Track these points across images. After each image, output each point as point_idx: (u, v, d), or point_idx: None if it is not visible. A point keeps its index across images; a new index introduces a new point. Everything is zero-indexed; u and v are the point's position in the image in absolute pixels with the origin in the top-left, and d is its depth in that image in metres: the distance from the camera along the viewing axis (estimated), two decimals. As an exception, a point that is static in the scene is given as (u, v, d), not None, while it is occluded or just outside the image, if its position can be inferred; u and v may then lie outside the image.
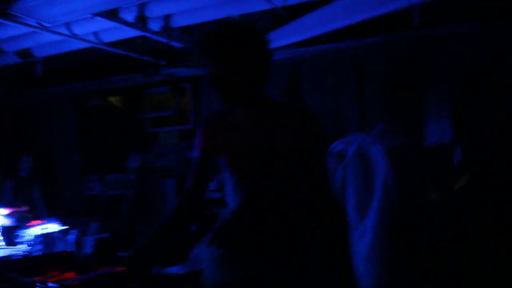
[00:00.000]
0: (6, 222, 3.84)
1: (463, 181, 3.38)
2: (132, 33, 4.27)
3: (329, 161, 2.95)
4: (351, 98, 5.01)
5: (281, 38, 3.90)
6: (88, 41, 4.41)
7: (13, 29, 4.10)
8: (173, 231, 1.93)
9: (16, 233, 3.82)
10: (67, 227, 4.03)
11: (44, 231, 3.86)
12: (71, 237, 3.81)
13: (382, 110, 4.82)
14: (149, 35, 4.18)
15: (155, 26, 4.11)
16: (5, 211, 3.90)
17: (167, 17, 4.02)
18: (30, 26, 3.92)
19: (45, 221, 3.98)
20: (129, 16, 3.91)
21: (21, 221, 3.90)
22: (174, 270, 3.14)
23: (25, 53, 4.82)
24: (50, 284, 1.82)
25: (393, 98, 4.67)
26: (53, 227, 3.93)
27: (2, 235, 3.81)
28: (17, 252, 3.47)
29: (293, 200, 1.78)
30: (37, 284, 1.83)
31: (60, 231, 3.91)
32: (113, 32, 4.35)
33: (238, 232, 1.84)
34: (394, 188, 2.50)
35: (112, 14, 3.83)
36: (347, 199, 2.72)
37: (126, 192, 5.81)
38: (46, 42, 4.54)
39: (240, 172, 1.84)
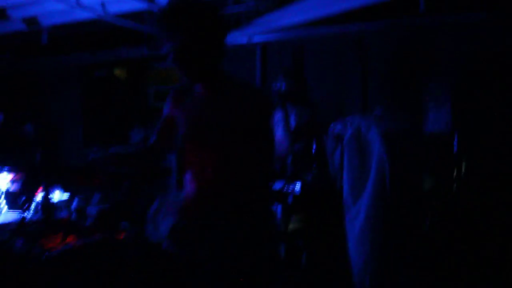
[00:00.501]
0: (11, 187, 3.90)
1: (460, 170, 3.43)
2: (139, 5, 4.28)
3: (328, 142, 3.00)
4: (354, 80, 5.01)
5: (285, 17, 3.91)
6: (95, 12, 4.41)
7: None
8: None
9: (20, 198, 3.88)
10: (69, 193, 4.08)
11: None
12: (74, 204, 3.86)
13: (384, 95, 4.85)
14: (156, 8, 4.18)
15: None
16: (10, 175, 3.95)
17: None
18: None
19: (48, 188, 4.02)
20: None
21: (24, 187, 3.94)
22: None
23: (31, 21, 4.82)
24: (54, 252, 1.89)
25: (395, 83, 4.70)
26: (56, 194, 3.99)
27: (6, 199, 3.88)
28: (17, 218, 3.54)
29: (237, 180, 1.87)
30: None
31: (63, 200, 3.96)
32: (120, 4, 4.35)
33: (186, 209, 2.00)
34: (388, 171, 2.55)
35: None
36: (343, 179, 2.77)
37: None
38: (53, 11, 4.54)
39: (191, 145, 1.98)
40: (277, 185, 3.19)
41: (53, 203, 3.96)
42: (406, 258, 2.55)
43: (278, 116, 3.96)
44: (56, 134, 6.81)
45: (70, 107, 6.79)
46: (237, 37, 4.66)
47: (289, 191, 3.09)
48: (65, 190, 4.17)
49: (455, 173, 3.42)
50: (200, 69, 1.85)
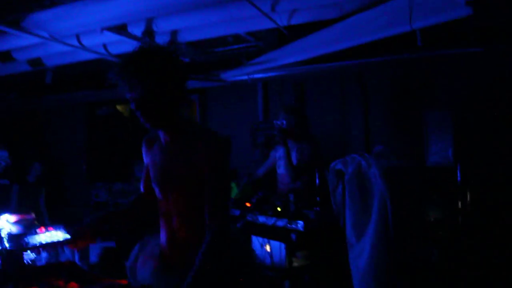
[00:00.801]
0: (13, 229, 3.89)
1: (465, 200, 3.42)
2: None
3: (330, 179, 3.01)
4: (356, 115, 5.06)
5: (285, 56, 3.97)
6: (97, 53, 4.50)
7: (25, 40, 4.19)
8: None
9: (23, 241, 3.87)
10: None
11: (51, 239, 3.90)
12: (76, 245, 3.85)
13: (385, 128, 4.87)
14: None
15: (162, 40, 4.19)
16: (12, 218, 3.95)
17: (174, 32, 4.11)
18: (41, 37, 4.02)
19: (51, 229, 4.02)
20: (137, 30, 3.99)
21: (28, 229, 3.93)
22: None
23: (36, 62, 4.91)
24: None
25: (396, 116, 4.73)
26: (58, 234, 3.97)
27: (9, 242, 3.87)
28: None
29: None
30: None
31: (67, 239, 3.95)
32: (121, 45, 4.43)
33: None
34: (390, 208, 2.55)
35: (120, 28, 3.93)
36: (346, 217, 2.77)
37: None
38: (57, 52, 4.63)
39: (157, 193, 2.03)
40: (280, 223, 3.19)
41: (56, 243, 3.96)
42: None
43: (280, 152, 3.98)
44: (61, 172, 6.85)
45: (75, 144, 6.85)
46: (238, 76, 4.73)
47: (293, 228, 3.08)
48: (67, 231, 4.16)
49: (459, 204, 3.41)
50: (161, 117, 1.88)
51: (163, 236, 2.03)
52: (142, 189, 2.21)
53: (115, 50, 4.48)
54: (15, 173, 5.63)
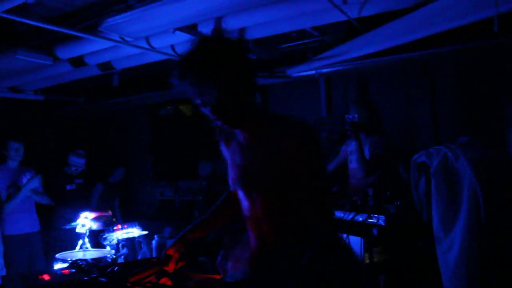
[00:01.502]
0: (93, 225, 4.05)
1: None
2: (207, 45, 4.42)
3: (412, 172, 2.93)
4: (423, 108, 4.92)
5: (357, 49, 3.90)
6: (166, 54, 4.59)
7: (98, 44, 4.35)
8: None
9: (102, 237, 4.02)
10: (147, 232, 4.19)
11: (127, 235, 4.04)
12: (154, 241, 3.97)
13: (456, 120, 4.71)
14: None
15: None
16: (92, 215, 4.11)
17: (242, 30, 4.13)
18: (113, 40, 4.16)
19: (127, 226, 4.15)
20: (206, 29, 4.05)
21: (107, 225, 4.09)
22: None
23: (105, 66, 5.09)
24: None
25: (469, 109, 4.56)
26: (135, 231, 4.10)
27: (89, 238, 4.03)
28: (104, 255, 3.67)
29: (292, 230, 1.72)
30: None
31: (142, 236, 4.08)
32: (188, 45, 4.51)
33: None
34: (482, 200, 2.45)
35: (190, 28, 3.99)
36: (432, 211, 2.69)
37: (197, 199, 5.99)
38: (126, 55, 4.78)
39: (239, 190, 1.87)
40: (359, 217, 3.14)
41: (134, 240, 4.10)
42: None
43: (352, 146, 3.93)
44: (127, 171, 7.06)
45: (140, 144, 7.05)
46: (305, 71, 4.70)
47: (373, 222, 3.03)
48: (142, 228, 4.29)
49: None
50: (240, 115, 1.70)
51: (252, 241, 1.86)
52: (231, 186, 2.01)
53: (183, 50, 4.55)
54: (99, 174, 5.90)
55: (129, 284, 1.90)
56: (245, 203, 1.84)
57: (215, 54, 1.63)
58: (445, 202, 2.61)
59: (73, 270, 2.01)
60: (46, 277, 1.91)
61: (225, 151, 1.95)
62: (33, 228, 5.02)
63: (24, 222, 4.92)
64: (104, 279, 1.84)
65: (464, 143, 2.76)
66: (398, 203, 3.12)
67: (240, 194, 1.86)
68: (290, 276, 1.59)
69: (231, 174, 1.90)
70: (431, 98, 4.88)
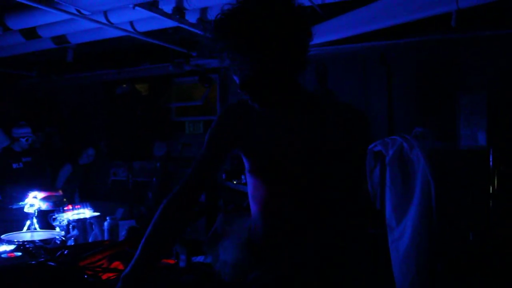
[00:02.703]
0: (43, 205, 3.92)
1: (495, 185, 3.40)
2: (167, 23, 4.30)
3: (367, 161, 2.98)
4: (379, 97, 5.00)
5: (316, 36, 3.89)
6: (124, 30, 4.45)
7: (52, 16, 4.15)
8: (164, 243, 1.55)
9: (51, 217, 3.89)
10: (99, 213, 4.09)
11: (78, 216, 3.92)
12: (106, 223, 3.86)
13: (410, 110, 4.83)
14: (185, 26, 4.21)
15: (191, 17, 4.15)
16: (41, 194, 3.97)
17: (204, 10, 4.06)
18: (69, 13, 3.97)
19: (79, 206, 4.04)
20: (168, 7, 3.94)
21: (56, 206, 3.96)
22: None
23: (60, 40, 4.88)
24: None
25: (423, 100, 4.68)
26: (86, 212, 4.00)
27: (37, 218, 3.89)
28: (53, 237, 3.55)
29: (319, 213, 1.50)
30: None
31: (94, 217, 3.97)
32: (149, 22, 4.39)
33: (257, 245, 1.62)
34: (433, 190, 2.52)
35: (151, 5, 3.87)
36: (386, 199, 2.75)
37: (151, 180, 5.91)
38: (82, 30, 4.59)
39: (260, 176, 1.58)
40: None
41: (85, 221, 3.98)
42: (454, 279, 2.51)
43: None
44: (81, 149, 6.85)
45: (94, 123, 6.85)
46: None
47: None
48: (94, 209, 4.19)
49: (491, 189, 3.39)
50: (277, 91, 1.42)
51: (262, 226, 1.60)
52: (188, 181, 1.57)
53: (142, 27, 4.44)
54: (67, 154, 5.74)
55: (79, 269, 1.84)
56: (270, 186, 1.55)
57: (257, 21, 1.29)
58: (399, 191, 2.67)
59: (19, 254, 1.93)
60: (-10, 260, 1.82)
61: (232, 130, 1.59)
62: None
63: None
64: (53, 263, 1.77)
65: (419, 134, 2.83)
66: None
67: (261, 178, 1.56)
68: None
69: (260, 156, 1.55)
70: (388, 88, 4.97)
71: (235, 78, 1.41)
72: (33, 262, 1.74)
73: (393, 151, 2.70)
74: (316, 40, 3.90)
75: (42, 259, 1.80)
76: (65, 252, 1.91)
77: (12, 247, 2.78)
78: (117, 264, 2.16)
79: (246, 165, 1.61)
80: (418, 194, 2.57)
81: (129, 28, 4.44)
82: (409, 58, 4.87)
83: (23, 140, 5.22)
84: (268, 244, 1.58)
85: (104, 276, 1.84)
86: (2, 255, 1.86)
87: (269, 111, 1.50)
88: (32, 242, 2.04)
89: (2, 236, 3.52)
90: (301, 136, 1.48)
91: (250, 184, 1.62)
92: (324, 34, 3.83)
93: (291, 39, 1.33)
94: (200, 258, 3.12)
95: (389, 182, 2.71)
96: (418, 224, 2.55)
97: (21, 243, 2.00)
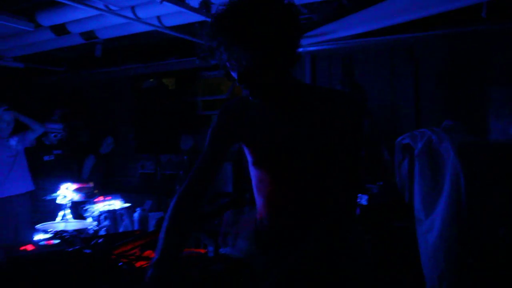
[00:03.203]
0: (75, 196, 4.02)
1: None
2: (194, 18, 4.34)
3: (396, 154, 2.97)
4: (407, 90, 4.95)
5: (344, 29, 3.88)
6: (151, 25, 4.51)
7: (82, 12, 4.24)
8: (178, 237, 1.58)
9: (83, 208, 4.00)
10: (130, 204, 4.18)
11: (109, 208, 4.02)
12: (136, 214, 3.95)
13: (439, 104, 4.76)
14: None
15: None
16: (73, 186, 4.07)
17: (230, 4, 4.07)
18: (98, 9, 4.05)
19: (110, 198, 4.14)
20: (194, 2, 3.98)
21: (88, 197, 4.06)
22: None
23: (89, 35, 4.97)
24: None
25: (453, 93, 4.61)
26: (116, 203, 4.09)
27: (70, 209, 4.00)
28: (86, 227, 3.65)
29: (324, 205, 1.54)
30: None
31: (124, 208, 4.06)
32: (176, 17, 4.44)
33: (264, 237, 1.69)
34: (463, 183, 2.50)
35: (178, 0, 3.92)
36: (414, 192, 2.74)
37: (178, 172, 5.98)
38: (110, 25, 4.67)
39: (263, 168, 1.63)
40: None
41: (115, 212, 4.07)
42: (483, 274, 2.48)
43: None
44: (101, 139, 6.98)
45: (122, 117, 6.96)
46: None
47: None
48: (126, 200, 4.27)
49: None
50: (276, 84, 1.47)
51: (265, 216, 1.67)
52: (192, 180, 1.64)
53: (169, 22, 4.49)
54: (91, 145, 5.86)
55: (113, 256, 1.90)
56: (271, 178, 1.61)
57: (252, 15, 1.35)
58: (428, 184, 2.66)
59: (57, 241, 2.00)
60: (29, 247, 1.89)
61: (233, 126, 1.67)
62: (24, 189, 4.99)
63: (13, 184, 4.90)
64: (88, 251, 1.83)
65: (448, 128, 2.80)
66: (381, 183, 3.16)
67: (273, 175, 1.61)
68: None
69: (261, 150, 1.62)
70: (415, 81, 4.91)
71: (233, 73, 1.46)
72: (70, 249, 1.80)
73: (422, 144, 2.68)
74: (343, 33, 3.92)
75: (78, 247, 1.86)
76: (100, 240, 1.97)
77: (47, 236, 2.88)
78: (149, 253, 2.22)
79: (249, 158, 1.67)
80: (447, 187, 2.55)
81: (156, 22, 4.49)
82: (437, 51, 4.79)
83: (52, 135, 5.36)
84: (274, 234, 1.64)
85: (138, 264, 1.90)
86: (41, 243, 1.92)
87: (268, 104, 1.57)
88: (67, 231, 2.10)
89: (38, 226, 3.64)
90: (300, 127, 1.53)
91: (253, 176, 1.68)
92: (351, 27, 3.81)
93: (285, 32, 1.39)
94: (228, 249, 3.17)
95: (418, 175, 2.70)
96: (448, 217, 2.53)
97: (56, 232, 2.06)
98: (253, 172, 1.69)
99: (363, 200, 3.04)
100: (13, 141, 5.03)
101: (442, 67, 4.81)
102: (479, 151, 2.60)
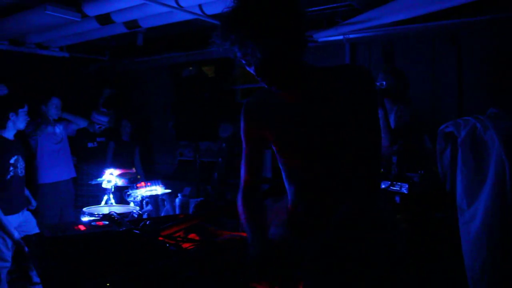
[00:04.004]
0: (119, 182, 4.16)
1: None
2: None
3: (438, 142, 2.94)
4: (449, 77, 4.85)
5: (385, 16, 3.83)
6: (193, 13, 4.57)
7: (126, 2, 4.35)
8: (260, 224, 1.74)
9: (126, 193, 4.14)
10: (170, 190, 4.30)
11: (151, 193, 4.14)
12: (177, 199, 4.07)
13: (481, 92, 4.65)
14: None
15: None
16: (117, 171, 4.22)
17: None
18: (142, -2, 4.14)
19: (150, 183, 4.26)
20: (235, -10, 4.01)
21: (131, 182, 4.20)
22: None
23: (132, 24, 5.08)
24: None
25: (497, 81, 4.48)
26: (158, 189, 4.21)
27: (114, 194, 4.15)
28: (130, 211, 3.78)
29: (347, 189, 1.60)
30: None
31: (165, 194, 4.18)
32: (217, 5, 4.48)
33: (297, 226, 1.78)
34: (508, 173, 2.45)
35: (221, -12, 3.96)
36: (456, 181, 2.71)
37: (217, 160, 6.07)
38: (153, 14, 4.76)
39: (289, 161, 1.72)
40: (382, 185, 3.17)
41: (157, 197, 4.21)
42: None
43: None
44: (149, 131, 7.15)
45: (161, 105, 7.10)
46: (333, 36, 4.65)
47: (396, 190, 3.06)
48: (165, 186, 4.39)
49: None
50: (290, 71, 1.53)
51: (296, 203, 1.76)
52: (245, 177, 1.83)
53: (210, 10, 4.54)
54: (112, 132, 5.99)
55: (161, 238, 1.97)
56: (301, 167, 1.69)
57: (258, 9, 1.41)
58: (471, 173, 2.62)
59: (107, 222, 2.09)
60: (81, 227, 1.99)
61: (256, 123, 1.75)
62: (67, 175, 5.19)
63: (59, 170, 5.09)
64: (138, 232, 1.92)
65: (493, 115, 2.74)
66: (422, 172, 3.13)
67: (294, 161, 1.70)
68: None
69: (287, 142, 1.69)
70: (458, 68, 4.80)
71: (250, 69, 1.53)
72: (121, 229, 1.89)
73: (466, 132, 2.64)
74: (384, 20, 3.87)
75: (127, 228, 1.94)
76: (148, 222, 2.05)
77: (93, 218, 3.01)
78: (193, 236, 2.29)
79: (275, 149, 1.75)
80: (491, 176, 2.51)
81: (198, 11, 4.55)
82: (481, 37, 4.66)
83: (97, 126, 5.52)
84: (308, 218, 1.72)
85: (184, 246, 1.97)
86: (92, 223, 2.02)
87: (286, 92, 1.61)
88: (115, 213, 2.19)
89: (84, 209, 3.80)
90: (318, 110, 1.59)
91: (282, 166, 1.78)
92: (392, 13, 3.76)
93: (293, 22, 1.44)
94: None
95: (461, 164, 2.66)
96: (491, 206, 2.50)
97: (106, 214, 2.15)
98: (281, 162, 1.78)
99: (403, 188, 3.02)
100: (58, 129, 5.21)
101: (486, 54, 4.68)
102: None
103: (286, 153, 1.72)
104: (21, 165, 3.95)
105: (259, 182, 1.85)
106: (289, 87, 1.58)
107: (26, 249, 3.40)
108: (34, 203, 4.24)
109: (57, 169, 5.13)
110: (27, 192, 4.19)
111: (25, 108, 4.07)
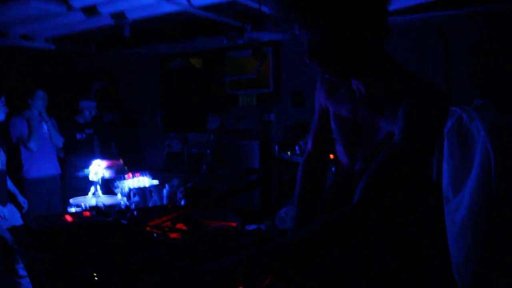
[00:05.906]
0: (106, 173, 4.14)
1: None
2: (222, -3, 4.38)
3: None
4: (436, 69, 4.88)
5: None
6: (180, 5, 4.54)
7: (112, -8, 4.31)
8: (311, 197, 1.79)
9: (113, 185, 4.12)
10: (158, 181, 4.29)
11: (138, 184, 4.13)
12: (165, 190, 4.07)
13: (469, 84, 4.69)
14: (241, 0, 4.25)
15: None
16: (104, 163, 4.20)
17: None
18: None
19: (138, 175, 4.25)
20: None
21: (118, 174, 4.18)
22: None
23: (119, 15, 5.04)
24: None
25: (484, 73, 4.52)
26: (145, 180, 4.20)
27: (101, 185, 4.13)
28: (117, 202, 3.77)
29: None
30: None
31: (153, 185, 4.17)
32: (204, -4, 4.47)
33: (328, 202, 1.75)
34: (493, 163, 2.48)
35: (208, -21, 3.94)
36: (443, 171, 2.73)
37: (205, 151, 6.06)
38: (140, 5, 4.72)
39: (336, 138, 1.67)
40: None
41: (145, 188, 4.19)
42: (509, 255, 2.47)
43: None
44: (137, 123, 7.11)
45: (149, 96, 7.06)
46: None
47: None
48: (153, 178, 4.38)
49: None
50: (356, 66, 1.38)
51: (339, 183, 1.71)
52: (311, 145, 1.84)
53: (198, 1, 4.52)
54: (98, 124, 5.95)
55: (148, 228, 1.97)
56: (343, 158, 1.64)
57: None
58: (457, 163, 2.65)
59: (94, 213, 2.08)
60: (68, 218, 1.98)
61: (324, 95, 1.69)
62: (54, 171, 5.13)
63: (45, 165, 5.03)
64: (125, 222, 1.91)
65: (479, 106, 2.77)
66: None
67: (340, 147, 1.65)
68: None
69: (337, 125, 1.64)
70: (445, 61, 4.83)
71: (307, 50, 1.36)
72: (108, 219, 1.88)
73: (452, 122, 2.66)
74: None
75: (115, 218, 1.94)
76: (135, 213, 2.04)
77: (80, 209, 3.00)
78: (180, 226, 2.30)
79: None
80: (477, 166, 2.54)
81: (185, 2, 4.52)
82: (469, 30, 4.70)
83: (87, 112, 5.47)
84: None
85: (171, 236, 1.97)
86: (79, 214, 2.01)
87: (352, 85, 1.54)
88: (103, 204, 2.19)
89: (71, 200, 3.78)
90: (370, 112, 1.49)
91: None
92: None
93: (359, 12, 1.26)
94: (253, 226, 3.22)
95: (447, 154, 2.69)
96: (476, 195, 2.52)
97: (93, 206, 2.15)
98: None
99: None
100: (45, 127, 5.11)
101: (474, 46, 4.72)
102: (510, 131, 2.57)
103: (335, 133, 1.68)
104: (2, 158, 3.90)
105: (321, 154, 1.85)
106: (351, 79, 1.47)
107: (10, 242, 3.37)
108: (26, 205, 4.21)
109: (44, 164, 5.07)
110: (15, 190, 4.15)
111: (2, 99, 4.02)
